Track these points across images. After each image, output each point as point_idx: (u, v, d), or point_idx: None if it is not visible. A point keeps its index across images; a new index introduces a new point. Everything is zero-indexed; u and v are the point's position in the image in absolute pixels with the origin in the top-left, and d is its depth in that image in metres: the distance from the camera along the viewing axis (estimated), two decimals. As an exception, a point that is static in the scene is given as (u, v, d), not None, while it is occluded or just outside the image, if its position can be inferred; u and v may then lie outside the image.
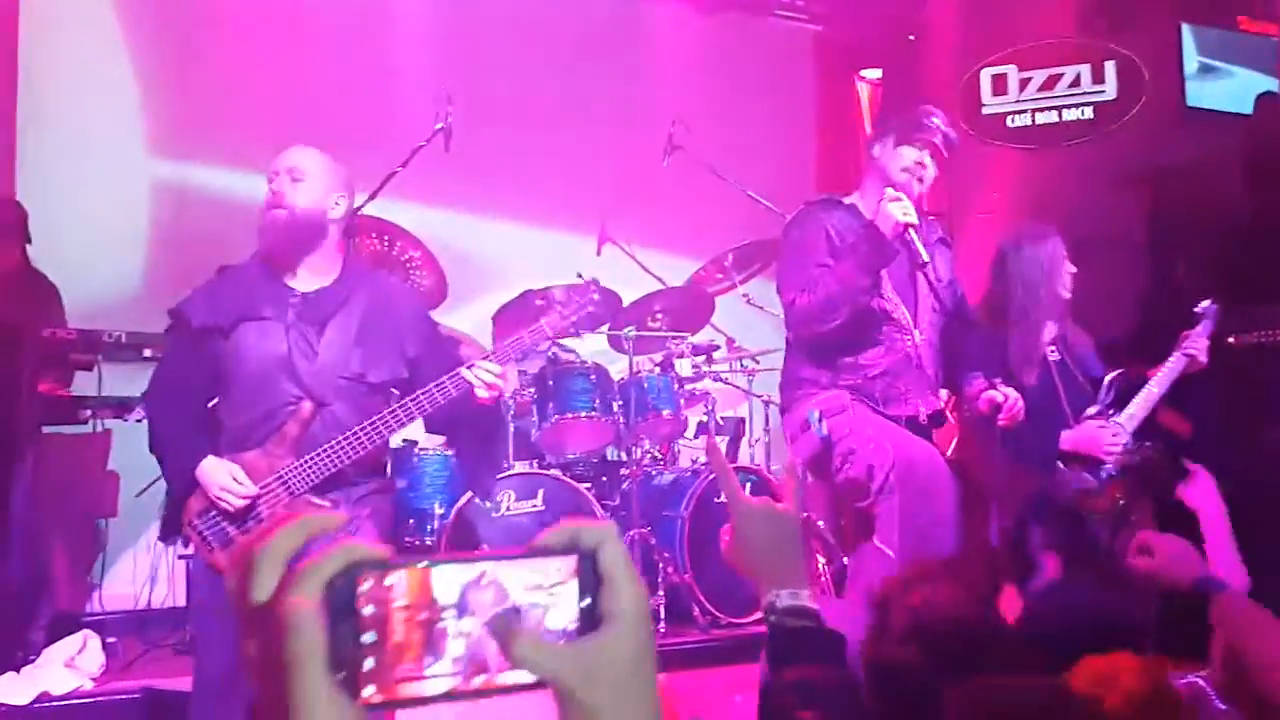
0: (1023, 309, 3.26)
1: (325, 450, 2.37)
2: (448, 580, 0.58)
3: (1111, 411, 3.27)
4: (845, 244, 2.86)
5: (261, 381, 2.40)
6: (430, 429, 2.65)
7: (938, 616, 1.35)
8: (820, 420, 2.85)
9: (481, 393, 2.40)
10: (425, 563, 0.58)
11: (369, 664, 0.56)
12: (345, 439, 2.36)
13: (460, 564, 0.59)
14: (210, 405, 2.51)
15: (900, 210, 2.75)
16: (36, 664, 2.97)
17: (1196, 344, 3.30)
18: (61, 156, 4.49)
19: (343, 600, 0.56)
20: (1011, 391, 2.93)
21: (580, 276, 2.58)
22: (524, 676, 0.59)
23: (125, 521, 3.75)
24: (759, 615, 3.85)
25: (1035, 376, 3.22)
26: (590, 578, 0.61)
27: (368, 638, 0.56)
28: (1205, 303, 3.43)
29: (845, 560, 3.92)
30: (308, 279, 2.49)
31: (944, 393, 3.21)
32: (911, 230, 2.78)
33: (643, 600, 0.63)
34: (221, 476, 2.34)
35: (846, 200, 3.02)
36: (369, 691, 0.56)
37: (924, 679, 1.31)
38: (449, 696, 0.58)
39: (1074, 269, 3.30)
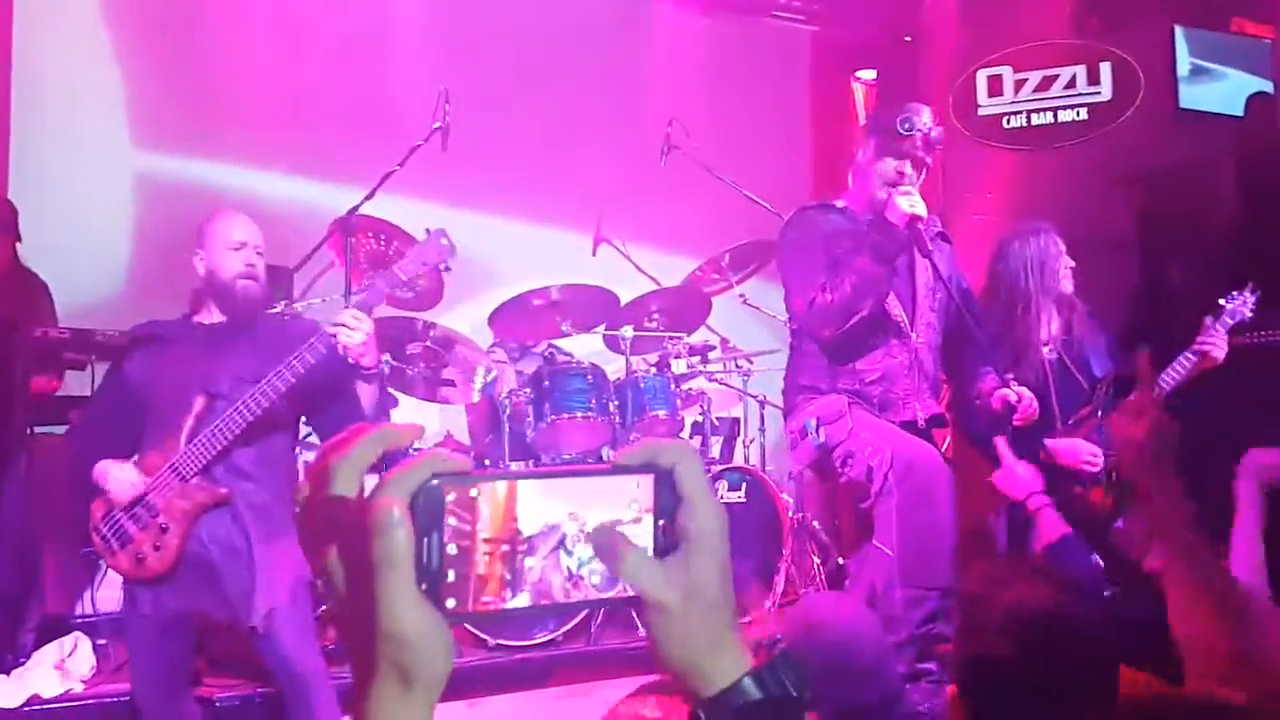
0: (1018, 305, 3.26)
1: (209, 432, 2.45)
2: (532, 504, 0.58)
3: (1101, 413, 3.26)
4: (844, 245, 2.87)
5: (170, 398, 2.54)
6: (309, 418, 2.70)
7: (1034, 611, 1.35)
8: (818, 428, 2.87)
9: (347, 337, 2.43)
10: (509, 477, 0.58)
11: (451, 576, 0.56)
12: (225, 417, 2.44)
13: (544, 484, 0.59)
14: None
15: (908, 202, 2.80)
16: (26, 666, 2.94)
17: (1211, 338, 3.29)
18: (50, 152, 4.46)
19: (428, 511, 0.56)
20: (1025, 391, 2.92)
21: (428, 231, 2.65)
22: (596, 594, 0.60)
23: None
24: (754, 616, 3.81)
25: (1028, 376, 3.21)
26: (668, 496, 0.61)
27: (451, 550, 0.56)
28: (1234, 294, 3.39)
29: (840, 560, 3.92)
30: (211, 317, 2.68)
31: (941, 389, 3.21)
32: (919, 223, 2.82)
33: (722, 518, 0.62)
34: (114, 469, 2.49)
35: (839, 204, 3.04)
36: (451, 604, 0.56)
37: (1023, 671, 1.31)
38: (529, 611, 0.59)
39: (1072, 263, 3.30)
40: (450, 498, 0.57)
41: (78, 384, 3.58)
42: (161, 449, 2.49)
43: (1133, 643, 1.45)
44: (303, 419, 2.75)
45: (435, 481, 0.57)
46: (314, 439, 3.17)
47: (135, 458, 2.53)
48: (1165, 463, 1.31)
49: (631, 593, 0.60)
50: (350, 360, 2.47)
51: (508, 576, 0.58)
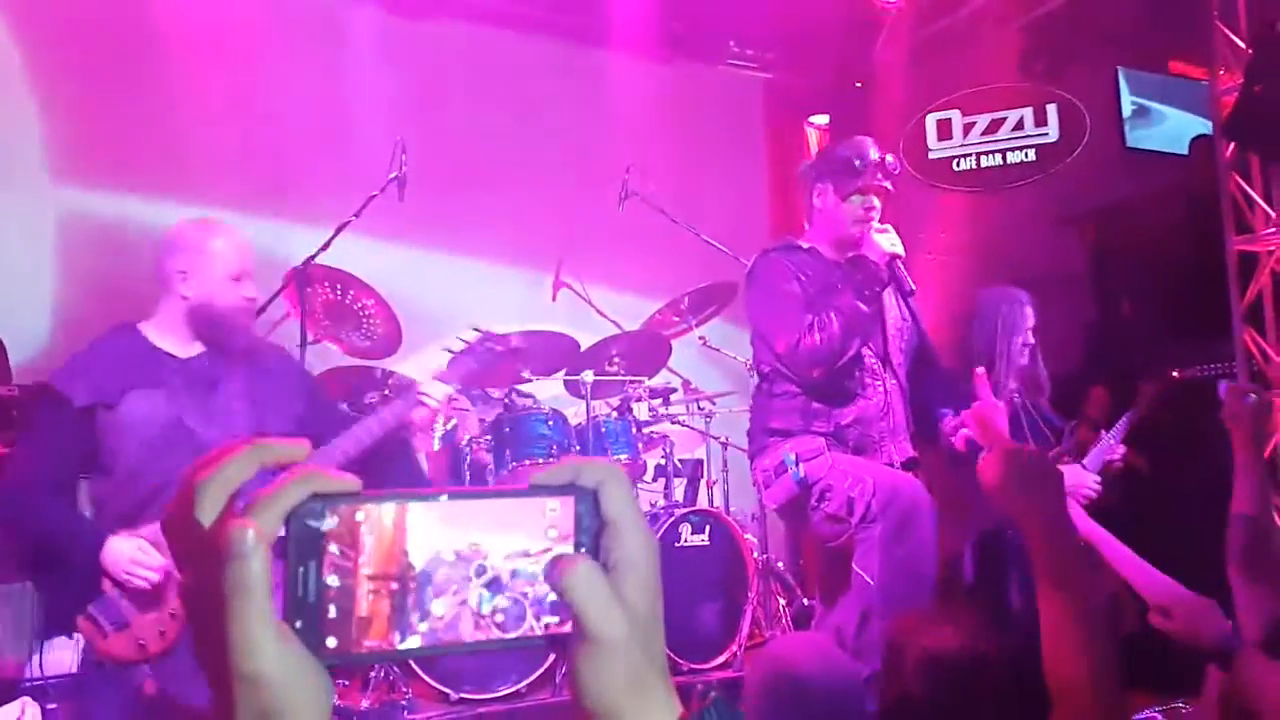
0: (990, 359, 3.30)
1: None
2: (429, 531, 0.51)
3: (1066, 459, 3.32)
4: (817, 285, 2.87)
5: (154, 452, 2.26)
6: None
7: (950, 656, 1.36)
8: (797, 463, 2.82)
9: (421, 412, 2.38)
10: (400, 499, 0.51)
11: (332, 612, 0.49)
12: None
13: (444, 507, 0.52)
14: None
15: (889, 241, 2.82)
16: (-28, 734, 2.84)
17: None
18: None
19: (304, 536, 0.49)
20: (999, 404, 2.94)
21: (477, 330, 2.66)
22: (500, 634, 0.52)
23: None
24: (720, 660, 3.81)
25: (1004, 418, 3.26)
26: (591, 520, 0.54)
27: (331, 581, 0.49)
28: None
29: (806, 601, 3.91)
30: (185, 346, 2.40)
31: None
32: (898, 261, 2.83)
33: (652, 545, 0.56)
34: (130, 551, 2.19)
35: (804, 245, 3.02)
36: (332, 643, 0.49)
37: (938, 713, 1.32)
38: (420, 653, 0.52)
39: (1031, 322, 3.35)
40: (330, 522, 0.50)
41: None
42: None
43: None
44: None
45: (314, 503, 0.50)
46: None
47: (109, 529, 2.22)
48: (1032, 500, 1.29)
49: (543, 630, 0.53)
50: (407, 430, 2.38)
51: (399, 614, 0.50)
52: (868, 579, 2.66)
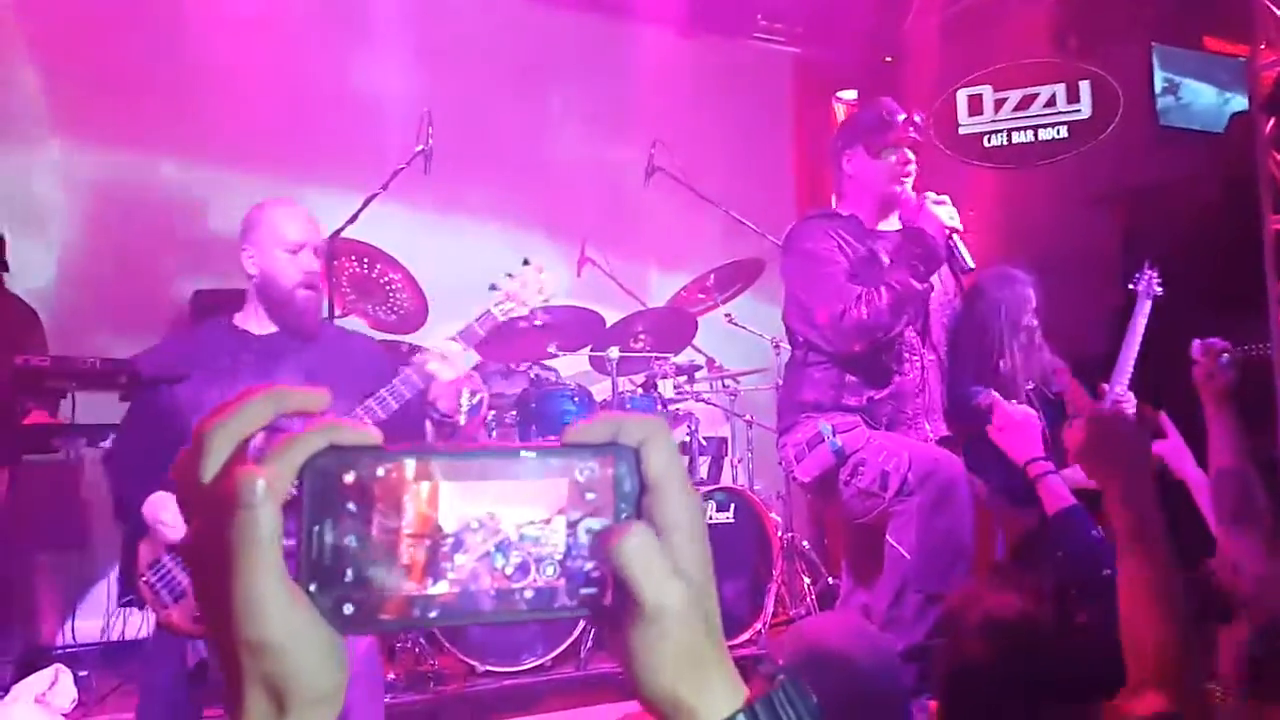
0: (994, 344, 3.25)
1: None
2: (451, 489, 0.47)
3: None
4: (857, 254, 2.80)
5: None
6: None
7: (1016, 621, 1.34)
8: (834, 433, 2.78)
9: (444, 373, 2.27)
10: (425, 455, 0.47)
11: (349, 575, 0.45)
12: None
13: (474, 465, 0.47)
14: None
15: (947, 214, 2.74)
16: (6, 700, 2.89)
17: (1139, 324, 3.32)
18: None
19: (320, 491, 0.45)
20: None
21: (527, 262, 2.45)
22: (527, 608, 0.48)
23: (95, 552, 3.67)
24: (743, 638, 3.82)
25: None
26: (631, 482, 0.50)
27: (349, 542, 0.45)
28: (1139, 274, 3.39)
29: (830, 580, 3.90)
30: (263, 325, 2.44)
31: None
32: (956, 235, 2.76)
33: (701, 510, 0.51)
34: (164, 504, 2.21)
35: (844, 213, 2.93)
36: (349, 610, 0.45)
37: (1003, 680, 1.30)
38: (441, 621, 0.47)
39: (1035, 302, 3.28)
40: (348, 477, 0.46)
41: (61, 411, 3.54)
42: None
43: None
44: None
45: (331, 455, 0.46)
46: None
47: None
48: (1117, 464, 1.29)
49: (577, 602, 0.49)
50: (430, 399, 2.29)
51: (421, 579, 0.46)
52: (903, 552, 2.62)
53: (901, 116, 2.84)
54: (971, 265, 2.78)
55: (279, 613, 0.44)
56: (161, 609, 2.22)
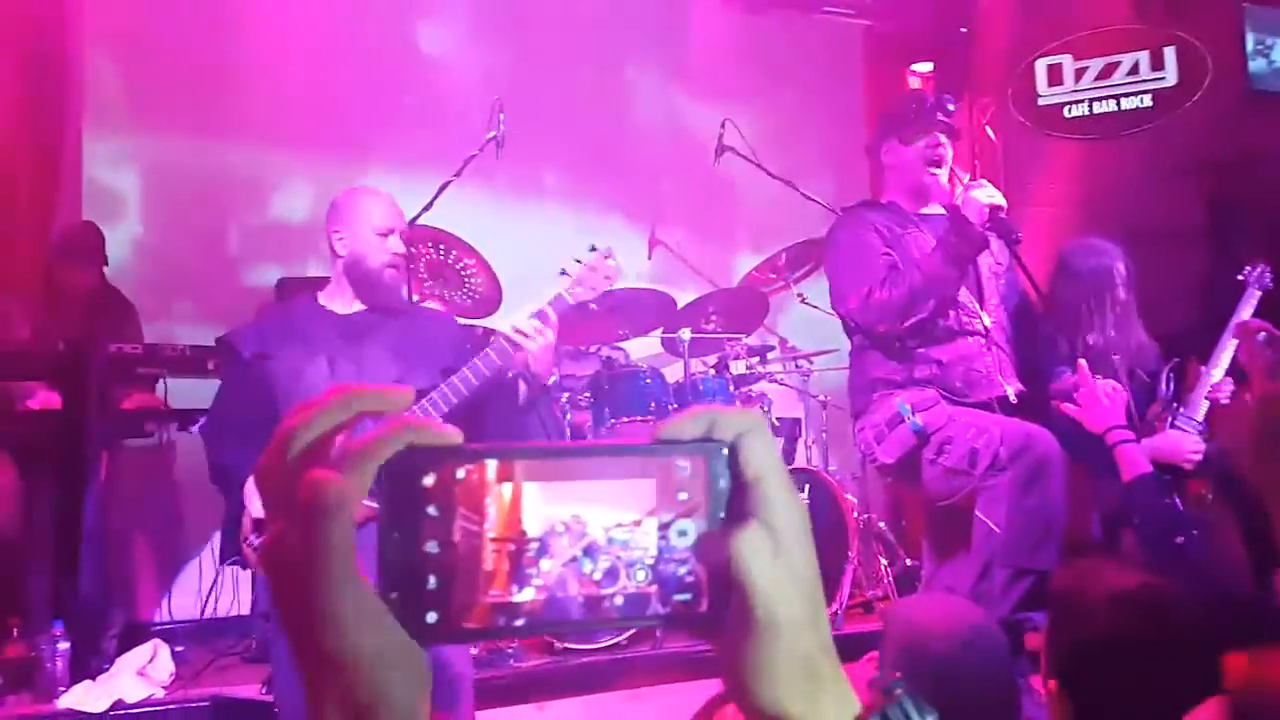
0: (1079, 320, 3.19)
1: None
2: (536, 491, 0.45)
3: (1176, 406, 3.19)
4: (895, 238, 2.85)
5: (309, 396, 2.42)
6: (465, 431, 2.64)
7: (1141, 595, 1.34)
8: (913, 413, 2.79)
9: (531, 342, 2.35)
10: (508, 456, 0.45)
11: (432, 582, 0.44)
12: None
13: (563, 465, 0.46)
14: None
15: (985, 194, 2.77)
16: (110, 673, 3.03)
17: (1244, 315, 3.23)
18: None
19: (400, 494, 0.44)
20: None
21: (594, 248, 2.51)
22: (620, 615, 0.46)
23: (189, 532, 3.82)
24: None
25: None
26: (726, 481, 0.47)
27: (430, 548, 0.44)
28: (1250, 268, 3.36)
29: (909, 562, 3.87)
30: (347, 305, 2.56)
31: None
32: (999, 211, 2.78)
33: (803, 511, 0.48)
34: None
35: (884, 201, 3.03)
36: (432, 619, 0.44)
37: (1136, 652, 1.29)
38: (529, 631, 0.46)
39: (1124, 275, 3.21)
40: (428, 480, 0.44)
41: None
42: None
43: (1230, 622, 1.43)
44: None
45: (411, 458, 0.44)
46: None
47: None
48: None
49: (671, 610, 0.47)
50: (521, 368, 2.39)
51: (507, 585, 0.45)
52: (993, 527, 2.60)
53: (928, 99, 2.92)
54: (1018, 236, 2.83)
55: (358, 622, 0.42)
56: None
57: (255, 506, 2.33)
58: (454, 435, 0.45)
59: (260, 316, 2.62)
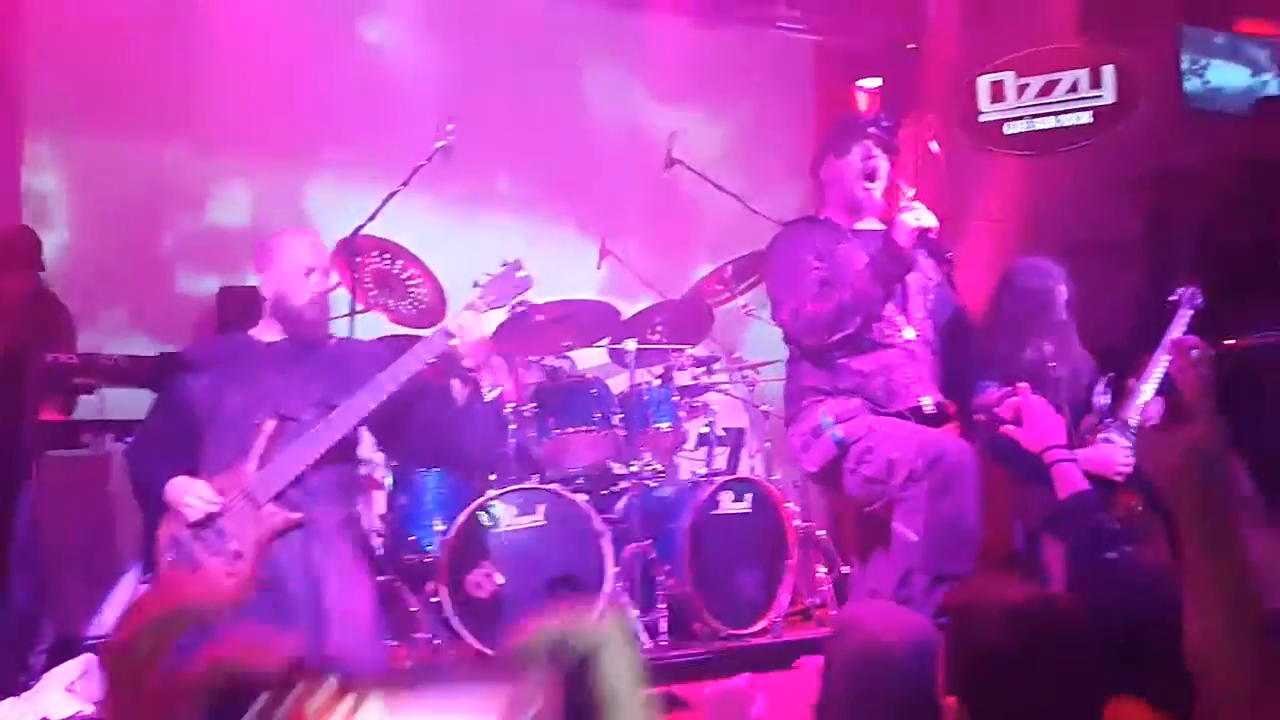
0: (1019, 336, 3.26)
1: (286, 455, 2.44)
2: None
3: (1110, 419, 3.27)
4: (829, 255, 2.92)
5: (232, 415, 2.53)
6: (387, 440, 2.71)
7: (1033, 608, 1.37)
8: (834, 424, 2.87)
9: (466, 334, 2.49)
10: (355, 697, 0.42)
11: None
12: (305, 439, 2.44)
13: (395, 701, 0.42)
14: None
15: (913, 218, 2.88)
16: (37, 688, 2.98)
17: (1175, 334, 3.33)
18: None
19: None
20: (1037, 398, 2.91)
21: (505, 262, 2.70)
22: None
23: (124, 544, 3.76)
24: (760, 626, 3.84)
25: (1043, 395, 3.22)
26: (580, 696, 0.44)
27: None
28: (1181, 289, 3.46)
29: (845, 569, 3.91)
30: (272, 335, 2.69)
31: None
32: (929, 233, 2.90)
33: None
34: (187, 488, 2.45)
35: (821, 217, 3.12)
36: None
37: (1030, 669, 1.32)
38: None
39: (1066, 296, 3.29)
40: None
41: (86, 408, 3.63)
42: (231, 471, 2.46)
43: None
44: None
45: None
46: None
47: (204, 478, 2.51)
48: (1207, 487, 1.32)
49: None
50: (458, 359, 2.53)
51: None
52: (912, 536, 2.69)
53: (862, 117, 3.02)
54: (949, 255, 2.99)
55: None
56: None
57: (183, 496, 2.44)
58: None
59: (195, 344, 2.84)
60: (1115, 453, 3.16)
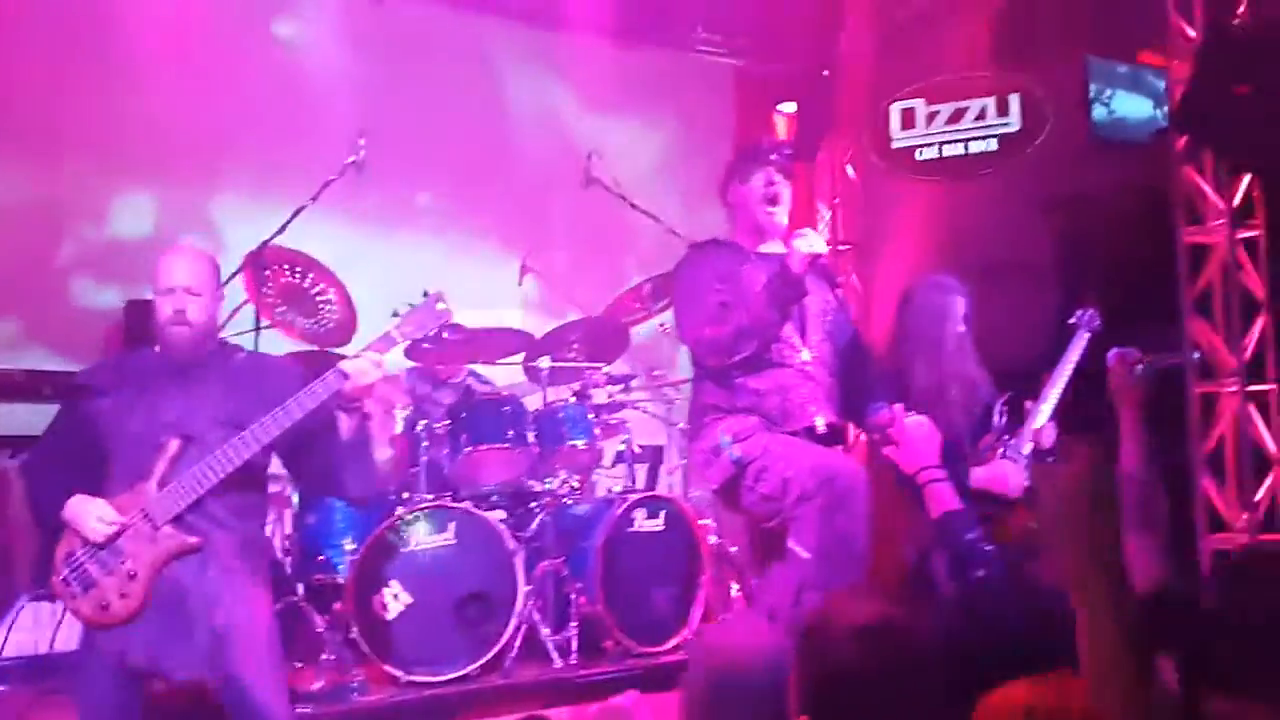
0: (920, 353, 3.34)
1: (186, 478, 2.41)
2: None
3: (1008, 438, 3.36)
4: (734, 278, 2.99)
5: (135, 433, 2.50)
6: (289, 457, 2.69)
7: (879, 627, 1.39)
8: (732, 443, 2.93)
9: (364, 379, 2.46)
10: None
11: None
12: (205, 463, 2.41)
13: None
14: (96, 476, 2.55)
15: (806, 244, 2.94)
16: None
17: (1072, 356, 3.45)
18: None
19: None
20: (924, 418, 2.99)
21: (426, 293, 2.64)
22: None
23: (20, 564, 3.65)
24: (672, 644, 3.88)
25: (939, 414, 3.29)
26: None
27: None
28: (1080, 311, 3.58)
29: (755, 583, 3.96)
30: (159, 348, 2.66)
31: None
32: (820, 259, 2.97)
33: None
34: (87, 507, 2.41)
35: (726, 240, 3.20)
36: None
37: (865, 685, 1.35)
38: None
39: (963, 309, 3.38)
40: None
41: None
42: (132, 491, 2.43)
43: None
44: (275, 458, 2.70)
45: None
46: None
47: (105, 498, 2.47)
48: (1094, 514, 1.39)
49: None
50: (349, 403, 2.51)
51: None
52: (803, 554, 2.75)
53: (767, 144, 3.17)
54: (838, 281, 3.14)
55: None
56: (70, 599, 2.41)
57: (82, 518, 2.40)
58: None
59: (101, 361, 2.78)
60: (1011, 472, 3.26)
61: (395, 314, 2.60)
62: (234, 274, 3.70)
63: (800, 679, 1.46)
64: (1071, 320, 3.68)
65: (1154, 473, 2.28)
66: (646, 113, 5.65)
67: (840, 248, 5.95)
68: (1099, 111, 5.58)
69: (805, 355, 3.07)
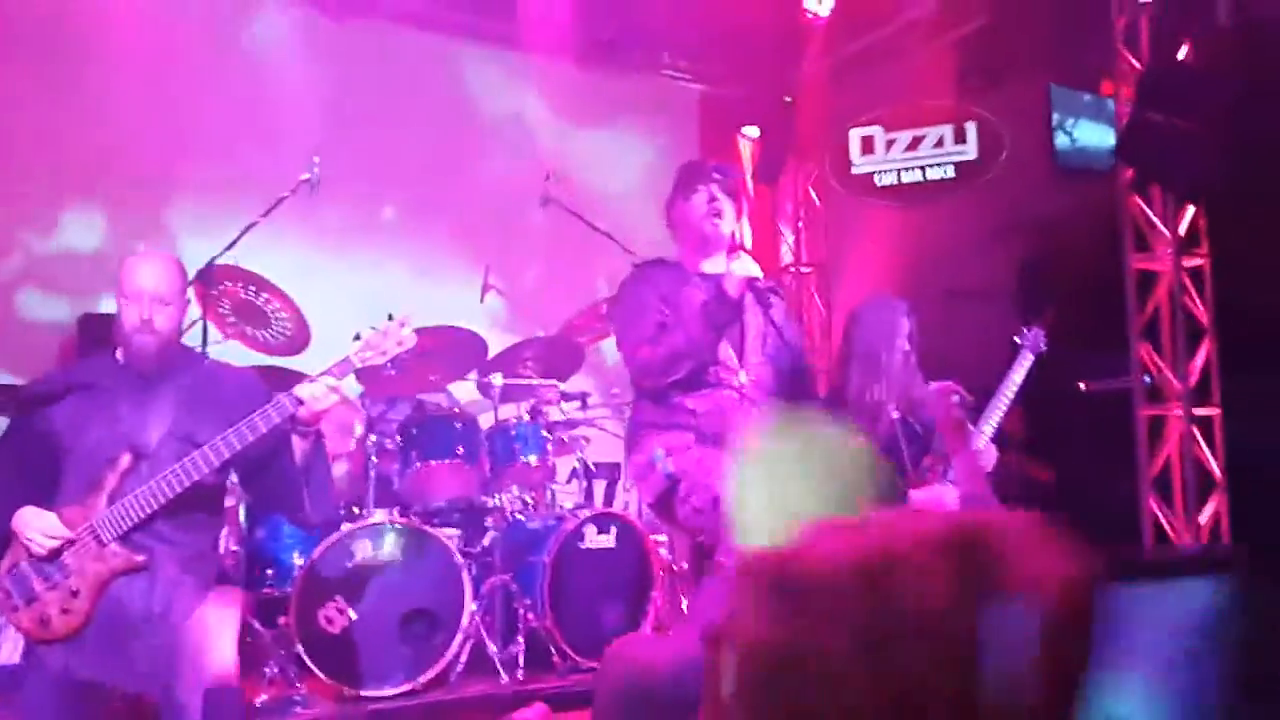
0: (863, 370, 3.38)
1: (135, 496, 2.38)
2: None
3: (949, 458, 3.39)
4: (675, 298, 3.01)
5: (89, 446, 2.46)
6: (246, 477, 2.66)
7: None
8: (665, 457, 2.95)
9: (319, 405, 2.43)
10: None
11: None
12: (155, 482, 2.38)
13: None
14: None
15: (741, 268, 2.96)
16: None
17: (1017, 376, 3.50)
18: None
19: None
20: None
21: (391, 317, 2.59)
22: None
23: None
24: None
25: (882, 433, 3.34)
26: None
27: None
28: (1025, 331, 3.63)
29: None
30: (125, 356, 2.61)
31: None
32: (755, 281, 2.99)
33: None
34: (34, 521, 2.38)
35: (670, 260, 3.20)
36: None
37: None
38: None
39: (907, 328, 3.42)
40: None
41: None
42: (83, 505, 2.40)
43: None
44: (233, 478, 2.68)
45: None
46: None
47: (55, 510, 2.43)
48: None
49: None
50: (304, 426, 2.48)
51: None
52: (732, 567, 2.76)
53: (707, 168, 3.15)
54: (773, 303, 3.11)
55: None
56: (11, 611, 2.38)
57: (28, 531, 2.37)
58: None
59: (56, 369, 2.77)
60: (949, 493, 3.29)
61: (357, 336, 2.54)
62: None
63: (708, 691, 1.48)
64: (1017, 339, 3.72)
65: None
66: (612, 133, 5.71)
67: (803, 269, 6.04)
68: (1061, 139, 5.69)
69: (743, 378, 3.08)
